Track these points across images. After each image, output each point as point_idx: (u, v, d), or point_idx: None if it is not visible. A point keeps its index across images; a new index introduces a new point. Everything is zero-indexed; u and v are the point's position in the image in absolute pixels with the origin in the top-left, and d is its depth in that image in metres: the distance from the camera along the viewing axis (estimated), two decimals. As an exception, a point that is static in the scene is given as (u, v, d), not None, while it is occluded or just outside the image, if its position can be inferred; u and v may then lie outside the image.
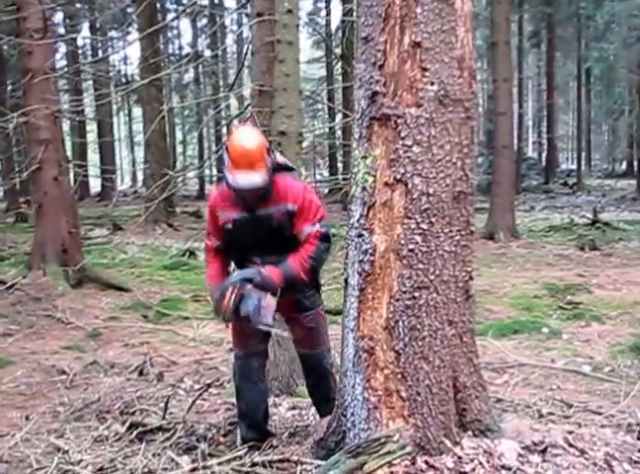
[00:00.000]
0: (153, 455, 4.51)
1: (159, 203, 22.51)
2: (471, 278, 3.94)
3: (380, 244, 3.77)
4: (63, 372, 7.46)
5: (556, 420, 5.15)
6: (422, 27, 3.66)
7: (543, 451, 3.87)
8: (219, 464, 4.13)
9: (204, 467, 4.08)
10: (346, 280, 4.02)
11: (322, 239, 4.43)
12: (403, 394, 3.79)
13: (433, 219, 3.70)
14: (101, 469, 4.41)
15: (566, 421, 5.13)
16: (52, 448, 4.95)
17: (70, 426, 5.56)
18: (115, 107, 44.95)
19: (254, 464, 4.13)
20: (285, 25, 6.07)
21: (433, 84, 3.68)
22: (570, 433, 4.14)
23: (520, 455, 3.80)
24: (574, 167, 41.43)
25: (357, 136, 3.90)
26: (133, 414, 5.68)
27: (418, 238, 3.70)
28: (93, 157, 43.13)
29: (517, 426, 4.15)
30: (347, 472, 3.28)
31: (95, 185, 41.53)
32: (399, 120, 3.68)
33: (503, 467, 3.68)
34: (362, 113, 3.82)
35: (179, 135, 44.48)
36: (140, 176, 44.74)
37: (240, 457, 4.27)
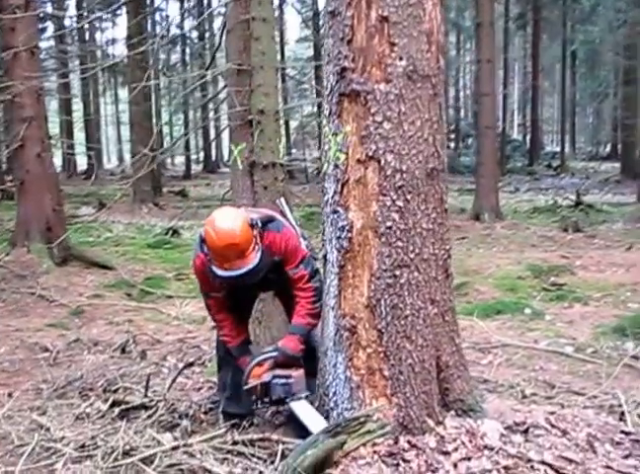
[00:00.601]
0: (135, 433, 4.45)
1: (145, 183, 22.57)
2: (449, 257, 3.90)
3: (357, 221, 3.72)
4: (46, 350, 7.36)
5: (539, 401, 5.13)
6: (388, 1, 3.61)
7: (525, 432, 3.85)
8: (201, 442, 4.08)
9: (185, 445, 4.03)
10: (324, 257, 3.98)
11: (311, 278, 4.37)
12: (386, 373, 3.76)
13: (408, 196, 3.66)
14: (82, 446, 4.35)
15: (549, 402, 5.10)
16: (35, 425, 4.88)
17: (53, 403, 5.48)
18: (100, 88, 44.62)
19: (235, 442, 4.09)
20: (260, 2, 5.97)
21: (401, 59, 3.64)
22: (552, 413, 4.12)
23: (502, 435, 3.78)
24: (558, 149, 41.42)
25: (326, 113, 3.85)
26: (116, 392, 5.60)
27: (395, 215, 3.67)
28: (80, 136, 42.82)
29: (498, 406, 4.14)
30: (325, 452, 3.24)
31: (82, 163, 41.31)
32: (369, 97, 3.64)
33: (485, 447, 3.66)
34: (332, 89, 3.77)
35: (165, 116, 44.17)
36: (127, 155, 44.54)
37: (221, 435, 4.22)
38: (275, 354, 4.34)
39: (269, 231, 4.28)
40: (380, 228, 3.68)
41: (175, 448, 4.03)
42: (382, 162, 3.64)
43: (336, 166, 3.76)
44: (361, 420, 3.35)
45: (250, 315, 5.02)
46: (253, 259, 4.08)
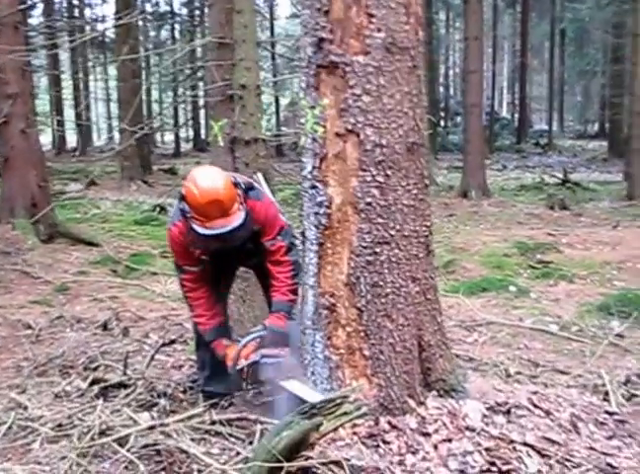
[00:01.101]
0: (112, 412, 4.34)
1: (134, 160, 22.39)
2: (431, 233, 3.79)
3: (336, 196, 3.59)
4: (29, 327, 7.24)
5: (523, 380, 5.05)
6: (365, -31, 3.45)
7: (508, 412, 3.75)
8: (179, 421, 3.97)
9: (162, 425, 3.91)
10: (303, 234, 3.84)
11: (288, 251, 4.26)
12: (366, 352, 3.65)
13: (389, 172, 3.54)
14: (59, 426, 4.24)
15: (533, 381, 5.03)
16: (13, 404, 4.78)
17: (33, 381, 5.40)
18: (90, 64, 44.17)
19: (213, 422, 3.98)
20: (242, -26, 5.79)
21: (380, 31, 3.50)
22: (535, 393, 4.02)
23: (484, 416, 3.68)
24: (546, 127, 41.28)
25: (304, 85, 3.70)
26: (96, 369, 5.51)
27: (375, 191, 3.54)
28: (70, 113, 42.44)
29: (481, 386, 4.04)
30: (301, 433, 3.12)
31: (71, 140, 41.03)
32: (347, 69, 3.50)
33: (467, 428, 3.56)
34: (309, 60, 3.62)
35: (155, 94, 43.77)
36: (117, 133, 44.15)
37: (199, 415, 4.11)
38: (263, 332, 4.21)
39: (249, 198, 4.12)
40: (360, 204, 3.55)
41: (151, 428, 3.92)
42: (362, 136, 3.51)
43: (314, 140, 3.62)
44: (338, 401, 3.23)
45: (227, 294, 4.85)
46: (237, 218, 3.92)
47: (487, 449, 3.42)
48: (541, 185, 19.91)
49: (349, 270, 3.61)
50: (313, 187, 3.66)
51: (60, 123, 30.37)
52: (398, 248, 3.60)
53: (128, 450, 3.71)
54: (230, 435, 3.89)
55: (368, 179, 3.53)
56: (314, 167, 3.64)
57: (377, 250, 3.57)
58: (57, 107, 35.76)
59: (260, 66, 5.98)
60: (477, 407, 3.72)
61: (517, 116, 43.23)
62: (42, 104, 37.30)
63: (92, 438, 3.90)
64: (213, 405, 4.36)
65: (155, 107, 43.06)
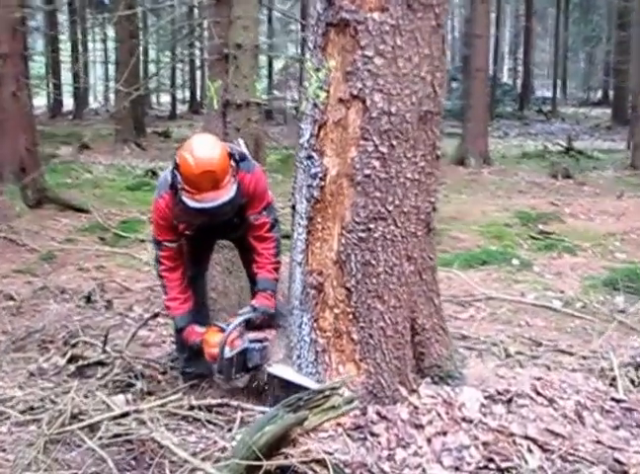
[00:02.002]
0: (86, 395, 4.09)
1: (128, 123, 21.97)
2: (434, 210, 3.48)
3: (332, 168, 3.28)
4: (11, 298, 6.97)
5: (524, 361, 4.78)
6: None
7: (509, 401, 3.47)
8: (154, 407, 3.70)
9: (136, 411, 3.64)
10: (293, 207, 3.54)
11: (272, 227, 4.05)
12: (354, 336, 3.37)
13: (394, 142, 3.21)
14: (31, 409, 4.01)
15: (534, 362, 4.76)
16: None
17: (9, 356, 5.19)
18: (88, 25, 43.47)
19: (191, 407, 3.72)
20: None
21: (401, -16, 3.12)
22: (538, 379, 3.75)
23: (482, 406, 3.42)
24: (549, 94, 40.73)
25: (310, 45, 3.36)
26: (75, 346, 5.24)
27: (375, 163, 3.22)
28: (67, 76, 41.89)
29: (480, 372, 3.76)
30: (284, 428, 2.85)
31: (68, 104, 40.49)
32: (359, 27, 3.15)
33: (463, 419, 3.30)
34: (318, 18, 3.28)
35: (152, 54, 43.13)
36: (112, 95, 43.56)
37: (179, 399, 3.85)
38: (252, 314, 3.93)
39: (241, 170, 3.87)
40: (357, 176, 3.24)
41: (124, 415, 3.65)
42: (368, 102, 3.19)
43: (315, 105, 3.31)
44: (326, 393, 2.97)
45: (206, 270, 4.62)
46: (228, 191, 3.69)
47: (484, 444, 3.16)
48: (544, 153, 19.50)
49: (339, 247, 3.33)
50: (309, 157, 3.36)
51: (56, 86, 29.89)
52: (395, 224, 3.30)
53: (99, 439, 3.45)
54: (209, 422, 3.64)
55: (370, 149, 3.23)
56: (312, 135, 3.35)
57: (371, 226, 3.27)
58: (54, 69, 35.21)
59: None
60: (475, 396, 3.45)
61: (519, 82, 42.69)
62: (38, 66, 36.73)
63: (62, 424, 3.67)
64: (193, 387, 4.11)
65: (152, 67, 42.52)
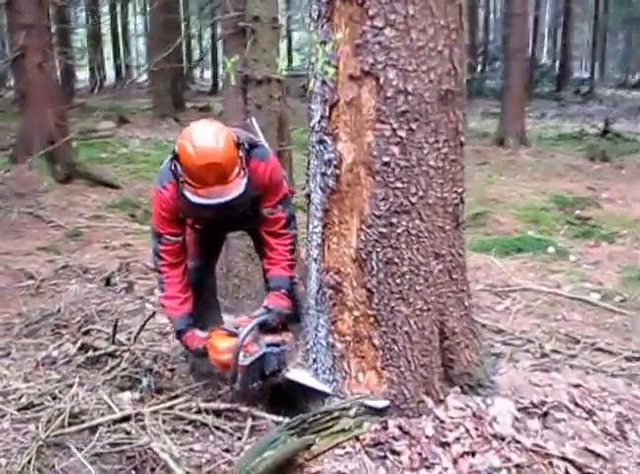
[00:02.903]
0: (91, 389, 3.77)
1: (167, 98, 21.66)
2: (462, 202, 3.05)
3: (347, 154, 2.87)
4: (31, 277, 6.69)
5: (560, 360, 4.37)
6: None
7: (544, 415, 3.07)
8: (157, 411, 3.36)
9: (138, 414, 3.30)
10: (308, 196, 3.14)
11: (288, 223, 3.61)
12: (376, 341, 2.99)
13: (413, 125, 2.79)
14: (31, 406, 3.70)
15: (571, 362, 4.36)
16: None
17: (20, 342, 4.92)
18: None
19: (199, 411, 3.38)
20: None
21: (413, -57, 2.70)
22: (576, 386, 3.35)
23: (515, 420, 3.03)
24: (586, 75, 39.77)
25: (314, 15, 2.93)
26: (87, 333, 4.93)
27: (395, 149, 2.81)
28: (108, 50, 41.70)
29: (513, 379, 3.35)
30: (288, 454, 2.47)
31: (111, 76, 40.26)
32: None
33: (494, 436, 2.91)
34: None
35: (192, 28, 42.70)
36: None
37: (189, 400, 3.52)
38: (266, 316, 3.48)
39: (252, 159, 3.41)
40: (375, 164, 2.83)
41: (126, 419, 3.32)
42: (382, 80, 2.77)
43: (324, 82, 2.90)
44: (335, 414, 2.58)
45: (214, 265, 4.19)
46: (237, 185, 3.24)
47: (517, 466, 2.77)
48: (581, 134, 18.80)
49: (358, 243, 2.93)
50: (321, 141, 2.95)
51: (98, 59, 29.64)
52: (420, 218, 2.89)
53: (93, 448, 3.14)
54: (217, 429, 3.29)
55: (387, 133, 2.80)
56: (323, 116, 2.93)
57: (394, 220, 2.87)
58: (96, 42, 34.95)
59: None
60: (508, 408, 3.06)
61: (557, 62, 41.74)
62: (80, 38, 36.62)
63: (61, 425, 3.36)
64: (206, 385, 3.74)
65: (195, 43, 42.18)
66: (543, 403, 3.13)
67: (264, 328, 3.45)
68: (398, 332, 2.95)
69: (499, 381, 3.29)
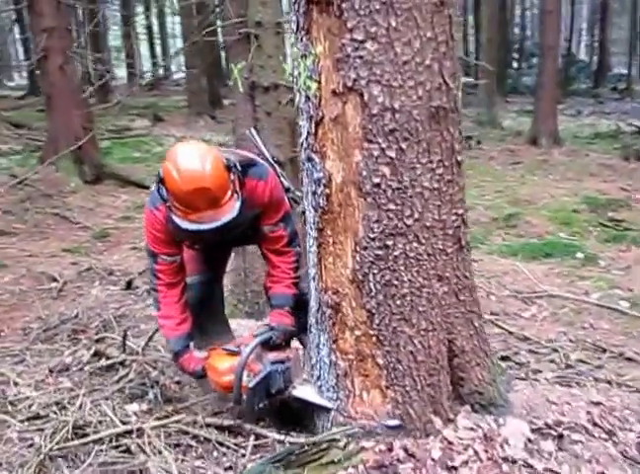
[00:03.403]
0: (95, 402, 3.67)
1: (203, 95, 21.62)
2: (464, 224, 2.88)
3: (336, 173, 2.72)
4: (54, 279, 6.66)
5: (586, 372, 4.20)
6: None
7: (560, 437, 2.91)
8: (159, 426, 3.26)
9: (139, 430, 3.20)
10: (303, 213, 3.01)
11: (291, 241, 3.45)
12: (379, 360, 2.85)
13: (403, 145, 2.62)
14: (37, 416, 3.61)
15: (596, 373, 4.18)
16: (4, 378, 4.23)
17: (37, 347, 4.88)
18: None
19: (204, 425, 3.27)
20: None
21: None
22: (597, 404, 3.18)
23: (528, 441, 2.87)
24: (625, 71, 39.07)
25: (294, 27, 2.75)
26: (102, 340, 4.88)
27: (385, 169, 2.65)
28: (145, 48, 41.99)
29: (529, 397, 3.19)
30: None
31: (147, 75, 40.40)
32: (344, 5, 2.54)
33: (505, 460, 2.75)
34: None
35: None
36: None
37: (194, 413, 3.42)
38: (270, 334, 3.33)
39: (250, 178, 3.25)
40: (366, 185, 2.67)
41: (128, 433, 3.22)
42: (366, 96, 2.59)
43: (307, 98, 2.74)
44: (323, 446, 2.43)
45: (222, 277, 4.01)
46: (230, 209, 3.03)
47: (528, 493, 2.62)
48: (617, 133, 18.39)
49: (354, 264, 2.78)
50: (309, 158, 2.80)
51: (133, 57, 29.70)
52: (417, 241, 2.73)
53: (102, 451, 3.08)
54: (220, 444, 3.16)
55: (376, 153, 2.63)
56: (309, 133, 2.77)
57: (389, 243, 2.71)
58: (130, 41, 35.10)
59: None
60: (520, 429, 2.90)
61: (595, 58, 41.11)
62: (115, 38, 36.93)
63: (65, 438, 3.28)
64: (215, 397, 3.62)
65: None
66: (559, 423, 2.98)
67: (267, 346, 3.31)
68: (402, 351, 2.81)
69: (513, 399, 3.14)
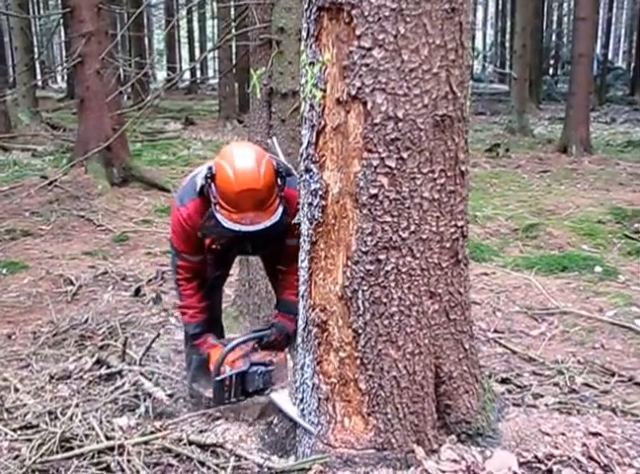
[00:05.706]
0: (86, 413, 3.59)
1: (233, 100, 21.64)
2: (463, 236, 2.74)
3: (334, 184, 2.60)
4: (71, 283, 6.64)
5: (590, 397, 4.01)
6: None
7: (549, 471, 2.75)
8: (141, 443, 3.16)
9: (120, 446, 3.11)
10: (298, 225, 2.89)
11: None
12: (362, 385, 2.72)
13: (404, 154, 2.50)
14: (30, 426, 3.55)
15: (601, 399, 3.98)
16: (6, 383, 4.21)
17: (43, 352, 4.86)
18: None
19: (187, 442, 3.16)
20: None
21: (404, -44, 2.41)
22: (595, 435, 3.01)
23: (515, 476, 2.70)
24: (663, 79, 38.33)
25: (304, 34, 2.65)
26: (106, 347, 4.84)
27: (383, 180, 2.52)
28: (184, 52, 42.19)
29: (521, 427, 3.02)
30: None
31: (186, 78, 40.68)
32: (354, 12, 2.43)
33: (487, 495, 2.60)
34: (310, 1, 2.56)
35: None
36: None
37: (179, 430, 3.33)
38: (265, 332, 3.42)
39: (289, 187, 3.24)
40: (362, 196, 2.55)
41: (110, 449, 3.13)
42: (369, 105, 2.48)
43: (311, 107, 2.64)
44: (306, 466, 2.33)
45: (224, 281, 4.03)
46: (272, 214, 3.12)
47: (508, 535, 2.47)
48: (650, 141, 18.03)
49: (344, 280, 2.65)
50: (307, 169, 2.69)
51: (172, 61, 29.98)
52: (412, 255, 2.60)
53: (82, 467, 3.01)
54: (202, 464, 3.05)
55: (375, 163, 2.52)
56: (309, 143, 2.67)
57: (381, 257, 2.59)
58: (171, 44, 35.37)
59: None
60: (507, 462, 2.75)
61: (632, 65, 40.42)
62: (157, 42, 37.27)
63: (50, 450, 3.19)
64: (204, 415, 3.53)
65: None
66: (550, 457, 2.81)
67: (264, 343, 3.40)
68: (385, 377, 2.68)
69: (503, 429, 2.98)
